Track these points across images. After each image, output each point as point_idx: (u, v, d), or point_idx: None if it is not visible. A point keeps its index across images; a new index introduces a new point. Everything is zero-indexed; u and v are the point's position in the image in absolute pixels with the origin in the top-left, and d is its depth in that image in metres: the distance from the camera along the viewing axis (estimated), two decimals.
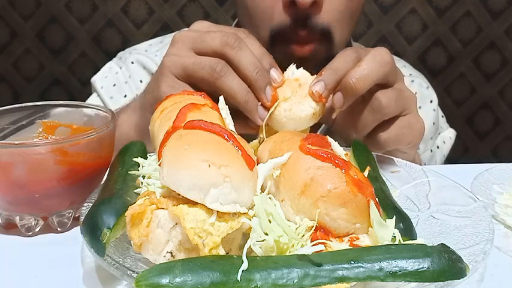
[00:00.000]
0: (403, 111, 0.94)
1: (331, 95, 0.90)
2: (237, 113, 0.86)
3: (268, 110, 0.87)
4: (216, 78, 0.86)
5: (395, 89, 0.92)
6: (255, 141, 0.89)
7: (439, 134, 1.51)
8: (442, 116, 1.55)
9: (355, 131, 0.95)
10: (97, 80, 1.43)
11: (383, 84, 0.91)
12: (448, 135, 1.52)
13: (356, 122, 0.94)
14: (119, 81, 1.40)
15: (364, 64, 0.88)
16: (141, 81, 1.38)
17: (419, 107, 1.33)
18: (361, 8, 1.16)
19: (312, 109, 0.86)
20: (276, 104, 0.86)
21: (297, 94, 0.87)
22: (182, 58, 0.89)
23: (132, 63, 1.42)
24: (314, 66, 1.03)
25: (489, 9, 2.58)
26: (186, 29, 0.96)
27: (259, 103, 0.87)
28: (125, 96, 1.37)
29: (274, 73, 0.89)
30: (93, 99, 1.42)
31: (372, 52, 0.90)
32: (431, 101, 1.45)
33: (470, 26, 2.60)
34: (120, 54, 1.50)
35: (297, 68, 0.91)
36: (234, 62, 0.87)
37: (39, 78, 2.62)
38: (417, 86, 1.44)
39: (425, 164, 1.37)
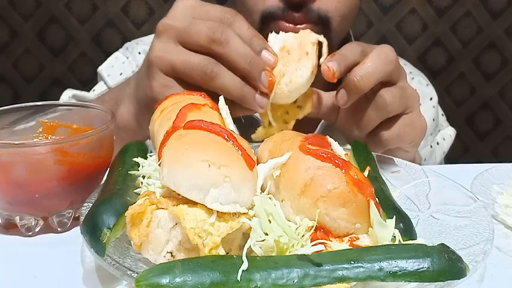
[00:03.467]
0: (406, 109, 0.94)
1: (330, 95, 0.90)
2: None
3: (268, 94, 0.86)
4: (208, 81, 0.84)
5: (399, 87, 0.92)
6: (260, 129, 0.90)
7: (439, 131, 1.51)
8: (442, 115, 1.55)
9: (358, 128, 0.95)
10: (103, 69, 1.42)
11: (386, 82, 0.91)
12: (448, 132, 1.52)
13: (359, 119, 0.94)
14: (125, 70, 1.40)
15: (369, 62, 0.87)
16: None
17: (420, 105, 1.33)
18: (360, 1, 1.16)
19: (310, 69, 0.85)
20: (274, 87, 0.85)
21: (290, 63, 0.86)
22: (170, 54, 0.86)
23: (140, 53, 1.41)
24: None
25: (489, 9, 2.58)
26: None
27: (257, 92, 0.86)
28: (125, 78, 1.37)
29: (267, 54, 0.87)
30: (100, 87, 1.41)
31: (377, 50, 0.89)
32: (431, 99, 1.45)
33: (470, 26, 2.60)
34: (126, 44, 1.49)
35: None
36: (224, 57, 0.85)
37: (39, 78, 2.62)
38: (417, 84, 1.44)
39: (425, 160, 1.37)
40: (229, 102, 0.84)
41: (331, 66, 0.86)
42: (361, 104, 0.92)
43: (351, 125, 0.97)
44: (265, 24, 1.07)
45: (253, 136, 0.92)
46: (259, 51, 0.87)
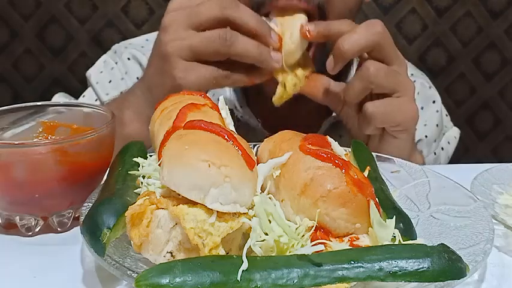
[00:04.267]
0: (394, 91, 0.95)
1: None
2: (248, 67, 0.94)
3: (279, 51, 0.95)
4: (229, 46, 0.90)
5: (390, 68, 0.94)
6: (278, 88, 0.97)
7: (444, 134, 1.50)
8: (446, 115, 1.53)
9: (346, 101, 0.98)
10: (92, 74, 1.40)
11: (379, 60, 0.93)
12: (453, 135, 1.51)
13: (346, 90, 0.97)
14: (114, 77, 1.38)
15: (356, 29, 0.92)
16: (137, 78, 1.35)
17: (422, 108, 1.32)
18: (360, 2, 1.15)
19: (304, 18, 0.97)
20: (282, 47, 0.95)
21: (285, 21, 0.97)
22: (186, 40, 0.91)
23: (129, 59, 1.39)
24: None
25: (489, 9, 2.57)
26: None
27: (271, 49, 0.93)
28: (121, 93, 1.35)
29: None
30: (89, 93, 1.39)
31: (366, 22, 0.94)
32: (434, 102, 1.44)
33: (470, 26, 2.59)
34: (115, 47, 1.46)
35: None
36: (237, 21, 0.91)
37: (39, 78, 2.62)
38: (419, 86, 1.42)
39: None
40: (245, 71, 0.95)
41: (305, 25, 0.95)
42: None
43: (353, 114, 0.99)
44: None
45: (274, 98, 1.00)
46: None
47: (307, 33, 0.94)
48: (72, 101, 1.33)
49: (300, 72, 1.00)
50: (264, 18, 0.98)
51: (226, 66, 0.93)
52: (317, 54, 1.05)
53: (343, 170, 0.60)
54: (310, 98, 1.03)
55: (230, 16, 0.90)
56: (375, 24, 0.93)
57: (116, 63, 1.41)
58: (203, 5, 0.91)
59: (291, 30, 0.96)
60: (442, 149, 1.47)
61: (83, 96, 1.39)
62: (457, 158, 1.55)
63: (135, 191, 0.67)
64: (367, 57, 0.95)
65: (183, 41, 0.90)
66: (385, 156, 0.90)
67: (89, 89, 1.41)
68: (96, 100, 1.36)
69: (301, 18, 0.97)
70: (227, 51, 0.90)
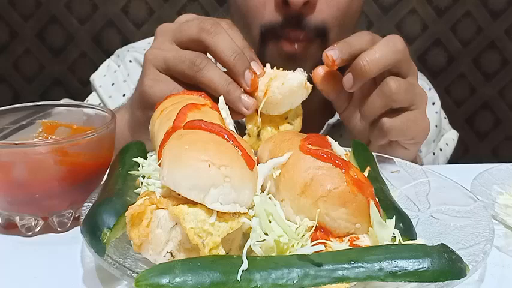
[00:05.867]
0: (411, 105, 0.93)
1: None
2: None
3: (254, 97, 0.85)
4: (196, 72, 0.85)
5: (407, 81, 0.92)
6: (245, 138, 0.86)
7: (442, 136, 1.50)
8: (445, 118, 1.54)
9: (362, 115, 0.95)
10: (95, 78, 1.42)
11: (395, 73, 0.92)
12: (451, 137, 1.52)
13: (363, 105, 0.94)
14: (117, 80, 1.40)
15: (377, 48, 0.89)
16: None
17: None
18: (361, 8, 1.15)
19: (303, 76, 0.84)
20: (267, 93, 0.84)
21: (281, 71, 0.85)
22: (164, 51, 0.89)
23: (131, 61, 1.41)
24: (306, 65, 0.99)
25: (489, 9, 2.58)
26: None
27: (243, 93, 0.85)
28: (124, 95, 1.37)
29: (254, 66, 0.87)
30: (92, 97, 1.41)
31: (386, 38, 0.91)
32: (433, 103, 1.44)
33: (470, 26, 2.60)
34: (118, 51, 1.48)
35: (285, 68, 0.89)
36: (211, 48, 0.86)
37: (39, 78, 2.62)
38: None
39: None
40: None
41: (330, 54, 0.88)
42: (369, 92, 0.93)
43: (357, 115, 0.98)
44: (265, 41, 1.07)
45: None
46: (249, 60, 0.87)
47: (332, 65, 0.89)
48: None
49: (285, 127, 0.87)
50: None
51: (201, 90, 0.86)
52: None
53: (343, 170, 0.60)
54: (320, 91, 0.98)
55: (205, 40, 0.86)
56: (395, 41, 0.90)
57: (119, 66, 1.42)
58: (187, 23, 0.89)
59: (284, 79, 0.83)
60: (441, 150, 1.47)
61: (87, 100, 1.41)
62: (457, 158, 1.55)
63: (135, 191, 0.67)
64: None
65: (162, 52, 0.89)
66: (385, 156, 0.90)
67: (93, 94, 1.43)
68: (99, 104, 1.37)
69: (301, 71, 0.84)
70: (193, 76, 0.86)
